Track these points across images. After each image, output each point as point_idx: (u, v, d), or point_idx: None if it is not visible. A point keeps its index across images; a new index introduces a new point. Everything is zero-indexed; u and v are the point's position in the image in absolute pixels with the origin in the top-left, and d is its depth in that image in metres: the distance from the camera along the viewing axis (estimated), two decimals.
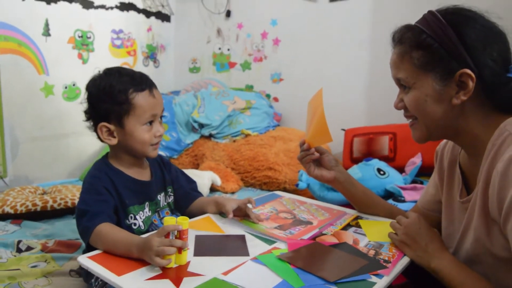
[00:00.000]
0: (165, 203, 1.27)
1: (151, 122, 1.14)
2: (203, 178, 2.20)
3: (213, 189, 2.29)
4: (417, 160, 2.24)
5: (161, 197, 1.25)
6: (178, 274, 0.85)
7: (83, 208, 1.06)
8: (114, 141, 1.13)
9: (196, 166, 2.64)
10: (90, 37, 2.69)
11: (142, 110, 1.11)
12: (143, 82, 1.14)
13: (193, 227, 1.10)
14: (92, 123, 1.17)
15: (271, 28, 3.06)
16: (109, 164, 1.17)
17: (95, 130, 1.15)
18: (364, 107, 2.79)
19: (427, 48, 0.89)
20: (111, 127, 1.12)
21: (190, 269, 0.87)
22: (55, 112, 2.51)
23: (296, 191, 2.21)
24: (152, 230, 1.13)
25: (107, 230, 0.99)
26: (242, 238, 1.05)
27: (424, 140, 0.98)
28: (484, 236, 0.88)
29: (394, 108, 1.00)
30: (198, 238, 1.03)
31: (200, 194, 1.35)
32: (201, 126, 2.73)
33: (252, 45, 3.15)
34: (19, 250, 1.50)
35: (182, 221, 0.90)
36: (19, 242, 1.52)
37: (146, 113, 1.12)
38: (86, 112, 1.17)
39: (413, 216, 1.02)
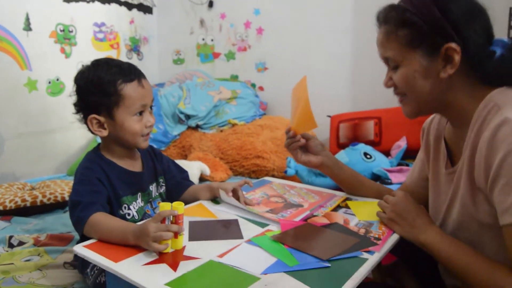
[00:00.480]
0: (157, 193, 1.27)
1: (141, 113, 1.14)
2: (192, 168, 2.21)
3: (202, 179, 2.30)
4: (402, 143, 2.28)
5: (153, 187, 1.26)
6: (174, 258, 0.87)
7: (76, 199, 1.06)
8: (104, 133, 1.13)
9: (184, 157, 2.65)
10: (72, 31, 2.66)
11: (132, 100, 1.10)
12: (132, 73, 1.13)
13: (186, 214, 1.11)
14: (82, 116, 1.16)
15: (254, 17, 3.06)
16: (101, 156, 1.17)
17: (85, 123, 1.15)
18: (348, 93, 2.83)
19: (412, 26, 0.91)
20: (101, 119, 1.12)
21: (186, 253, 0.89)
22: (39, 107, 2.48)
23: (284, 177, 2.24)
24: None
25: (101, 219, 0.99)
26: (235, 222, 1.07)
27: (414, 115, 1.00)
28: (469, 204, 0.91)
29: (384, 86, 1.02)
30: (192, 224, 1.05)
31: (191, 183, 1.36)
32: (188, 117, 2.74)
33: (236, 35, 3.15)
34: (11, 246, 1.50)
35: (177, 206, 0.91)
36: (10, 237, 1.52)
37: (136, 103, 1.11)
38: (75, 104, 1.16)
39: (400, 194, 1.05)
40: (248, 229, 1.02)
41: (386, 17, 0.96)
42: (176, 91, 2.89)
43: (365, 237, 0.98)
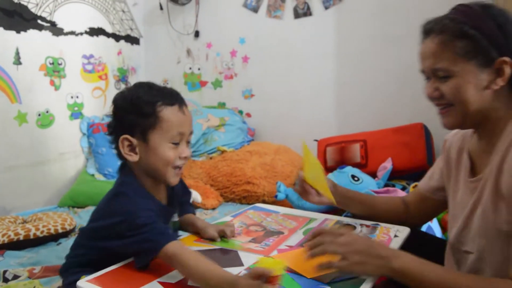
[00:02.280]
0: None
1: (177, 143, 1.05)
2: None
3: (194, 206, 2.32)
4: (387, 165, 2.35)
5: (173, 218, 1.22)
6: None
7: (143, 222, 0.96)
8: (135, 158, 1.05)
9: None
10: (61, 64, 2.70)
11: (170, 125, 1.03)
12: (173, 97, 1.06)
13: (185, 244, 1.14)
14: (114, 138, 1.08)
15: (240, 46, 3.14)
16: (140, 185, 1.08)
17: (117, 145, 1.07)
18: (333, 117, 2.90)
19: (470, 38, 0.93)
20: (134, 141, 1.04)
21: (190, 283, 0.91)
22: (29, 140, 2.50)
23: (275, 202, 2.27)
24: None
25: (190, 255, 0.93)
26: (234, 250, 1.10)
27: (456, 127, 1.04)
28: (490, 210, 0.94)
29: (428, 96, 1.03)
30: None
31: (189, 210, 1.29)
32: None
33: (222, 63, 3.23)
34: (5, 280, 1.49)
35: (276, 266, 0.83)
36: (5, 272, 1.52)
37: (174, 129, 1.03)
38: (109, 126, 1.09)
39: (345, 231, 0.98)
40: (248, 256, 1.05)
41: (443, 27, 0.97)
42: None
43: None
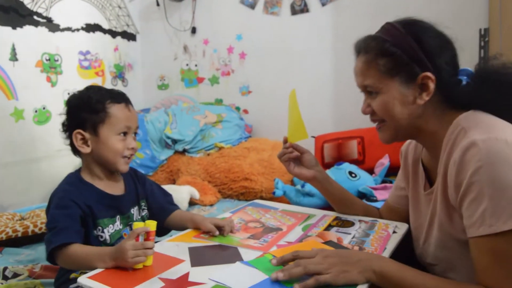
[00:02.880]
0: (139, 217, 1.29)
1: (125, 134, 1.20)
2: (181, 193, 2.24)
3: (192, 202, 2.33)
4: (385, 161, 2.36)
5: (134, 210, 1.27)
6: (179, 285, 0.89)
7: (52, 226, 1.09)
8: (87, 149, 1.18)
9: (172, 182, 2.67)
10: (57, 60, 2.68)
11: (117, 119, 1.18)
12: (121, 96, 1.21)
13: (183, 240, 1.15)
14: (68, 134, 1.21)
15: (237, 42, 3.14)
16: (80, 177, 1.21)
17: (71, 140, 1.20)
18: (331, 113, 2.91)
19: (391, 55, 0.98)
20: (86, 135, 1.17)
21: (191, 279, 0.91)
22: (26, 136, 2.49)
23: (272, 198, 2.28)
24: None
25: (77, 248, 1.04)
26: (234, 246, 1.11)
27: (391, 141, 1.06)
28: (447, 223, 0.97)
29: (362, 113, 1.08)
30: (192, 250, 1.08)
31: (176, 207, 1.37)
32: (174, 142, 2.77)
33: (219, 59, 3.22)
34: (5, 278, 1.49)
35: (150, 223, 0.99)
36: (4, 269, 1.51)
37: (121, 123, 1.18)
38: (63, 124, 1.22)
39: (316, 248, 0.96)
40: (247, 253, 1.06)
41: (367, 47, 1.02)
42: (162, 116, 2.93)
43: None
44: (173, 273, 0.95)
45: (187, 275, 0.94)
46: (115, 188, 1.25)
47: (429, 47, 0.97)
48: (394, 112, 0.99)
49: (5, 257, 1.69)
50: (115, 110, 1.18)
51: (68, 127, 1.21)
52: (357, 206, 1.36)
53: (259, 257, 1.02)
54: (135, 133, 1.25)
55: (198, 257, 1.03)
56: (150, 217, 1.32)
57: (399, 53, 0.97)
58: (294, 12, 2.92)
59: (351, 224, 1.27)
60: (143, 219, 1.29)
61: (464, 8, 2.40)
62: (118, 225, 1.20)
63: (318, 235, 1.17)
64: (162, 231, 1.33)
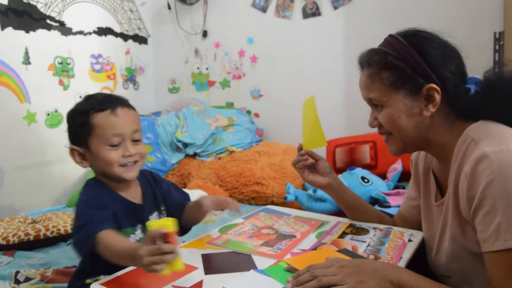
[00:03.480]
0: None
1: (117, 144, 1.09)
2: (192, 197, 2.22)
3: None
4: (398, 166, 2.33)
5: (153, 217, 1.21)
6: None
7: (84, 222, 1.01)
8: (86, 164, 1.12)
9: (183, 186, 2.67)
10: (70, 63, 2.70)
11: (102, 129, 1.08)
12: (106, 102, 1.11)
13: (196, 246, 1.14)
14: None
15: (248, 46, 3.14)
16: (102, 183, 1.14)
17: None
18: (343, 117, 2.89)
19: (394, 68, 0.97)
20: (81, 150, 1.11)
21: (204, 286, 0.91)
22: (38, 139, 2.50)
23: (284, 203, 2.26)
24: None
25: (112, 237, 0.95)
26: (247, 254, 1.09)
27: (400, 153, 1.05)
28: (459, 235, 0.96)
29: (369, 126, 1.07)
30: (205, 257, 1.07)
31: (187, 202, 1.28)
32: (185, 145, 2.77)
33: (230, 63, 3.22)
34: (17, 282, 1.49)
35: (166, 223, 0.81)
36: (16, 273, 1.51)
37: (107, 132, 1.08)
38: (68, 137, 1.17)
39: (334, 259, 0.93)
40: (261, 260, 1.04)
41: (370, 61, 1.02)
42: (173, 119, 2.93)
43: None
44: (187, 280, 0.94)
45: (200, 283, 0.93)
46: (134, 195, 1.18)
47: (433, 58, 0.96)
48: (400, 124, 0.99)
49: (17, 261, 1.69)
50: (99, 119, 1.08)
51: (70, 142, 1.15)
52: (371, 214, 1.34)
53: (274, 265, 1.01)
54: (135, 140, 1.13)
55: (212, 265, 1.02)
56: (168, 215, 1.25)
57: (402, 66, 0.97)
58: (305, 15, 2.91)
59: (366, 231, 1.25)
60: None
61: (478, 11, 2.37)
62: (139, 234, 1.14)
63: (332, 242, 1.16)
64: (182, 231, 1.24)
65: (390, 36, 1.03)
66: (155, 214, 1.22)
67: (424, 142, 1.01)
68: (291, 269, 0.97)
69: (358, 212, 1.33)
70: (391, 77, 0.97)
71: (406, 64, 0.96)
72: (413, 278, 0.88)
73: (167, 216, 1.24)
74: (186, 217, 1.23)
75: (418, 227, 1.22)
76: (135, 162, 1.13)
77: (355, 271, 0.87)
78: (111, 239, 0.95)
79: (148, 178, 1.26)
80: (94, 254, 0.97)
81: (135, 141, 1.13)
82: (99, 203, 1.06)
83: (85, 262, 1.12)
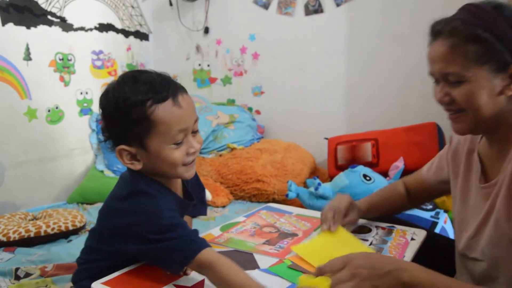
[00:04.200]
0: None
1: (181, 141, 0.92)
2: None
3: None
4: (399, 164, 2.33)
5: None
6: None
7: (169, 223, 0.87)
8: (138, 166, 0.94)
9: None
10: (71, 60, 2.69)
11: (166, 126, 0.89)
12: (164, 89, 0.90)
13: None
14: (112, 145, 0.96)
15: (250, 42, 3.12)
16: (152, 181, 0.96)
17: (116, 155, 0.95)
18: (344, 115, 2.88)
19: (483, 41, 0.89)
20: (132, 150, 0.92)
21: (206, 286, 0.90)
22: (39, 136, 2.49)
23: (285, 201, 2.26)
24: None
25: (226, 265, 0.85)
26: (249, 252, 1.08)
27: (467, 133, 1.00)
28: (503, 220, 0.92)
29: (438, 101, 0.99)
30: None
31: (203, 211, 1.20)
32: None
33: (232, 60, 3.21)
34: (17, 278, 1.49)
35: (320, 283, 0.77)
36: (16, 269, 1.52)
37: (172, 129, 0.89)
38: (103, 130, 0.96)
39: (346, 261, 0.84)
40: (263, 259, 1.04)
41: (453, 31, 0.92)
42: None
43: None
44: (188, 279, 0.93)
45: (202, 282, 0.92)
46: (180, 189, 1.05)
47: None
48: (479, 102, 0.91)
49: (17, 257, 1.69)
50: (161, 113, 0.88)
51: (110, 137, 0.96)
52: (386, 205, 1.33)
53: (277, 264, 1.00)
54: (195, 131, 0.96)
55: None
56: None
57: (492, 40, 0.88)
58: (308, 12, 2.89)
59: (368, 230, 1.25)
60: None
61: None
62: None
63: None
64: None
65: (473, 5, 0.93)
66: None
67: (495, 124, 0.94)
68: (294, 267, 0.97)
69: (378, 211, 1.32)
70: (478, 51, 0.89)
71: (496, 38, 0.88)
72: (427, 277, 0.82)
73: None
74: None
75: (431, 197, 1.26)
76: (194, 160, 0.98)
77: (369, 274, 0.80)
78: (224, 267, 0.85)
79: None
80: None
81: (194, 133, 0.97)
82: (170, 206, 0.93)
83: (97, 260, 1.01)
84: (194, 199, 1.08)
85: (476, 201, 1.03)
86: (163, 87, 0.90)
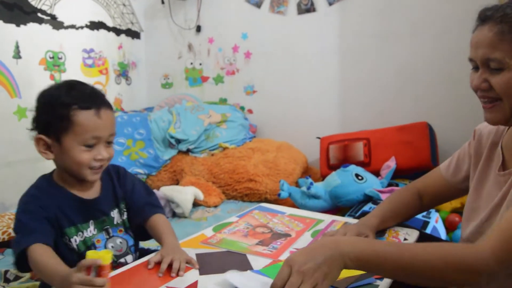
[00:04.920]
0: (120, 221, 1.19)
1: (92, 145, 1.06)
2: (186, 194, 2.22)
3: (196, 203, 2.31)
4: (391, 164, 2.33)
5: (114, 213, 1.18)
6: None
7: (18, 230, 1.04)
8: (50, 156, 1.08)
9: (176, 182, 2.65)
10: (61, 58, 2.66)
11: (82, 129, 1.03)
12: (92, 100, 1.06)
13: (190, 246, 1.12)
14: (35, 134, 1.10)
15: (242, 41, 3.11)
16: (50, 180, 1.12)
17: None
18: (336, 114, 2.88)
19: None
20: (48, 141, 1.06)
21: None
22: (29, 135, 2.45)
23: (277, 200, 2.26)
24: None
25: (38, 254, 0.97)
26: (242, 253, 1.08)
27: (500, 123, 0.98)
28: None
29: (473, 88, 0.97)
30: (200, 257, 1.05)
31: (157, 210, 1.21)
32: (178, 141, 2.75)
33: (224, 58, 3.19)
34: (7, 280, 1.48)
35: (104, 255, 0.83)
36: (6, 272, 1.50)
37: (87, 133, 1.04)
38: (32, 120, 1.11)
39: (286, 263, 0.82)
40: (256, 260, 1.03)
41: (505, 17, 0.90)
42: (166, 115, 2.90)
43: None
44: (182, 281, 0.93)
45: (195, 284, 0.92)
46: (90, 190, 1.15)
47: None
48: None
49: (6, 259, 1.67)
50: (81, 118, 1.03)
51: (35, 127, 1.10)
52: (401, 215, 1.28)
53: (271, 265, 1.00)
54: (109, 142, 1.10)
55: (206, 265, 1.01)
56: (129, 219, 1.20)
57: None
58: (300, 11, 2.89)
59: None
60: (124, 224, 1.19)
61: (474, 6, 2.34)
62: (91, 230, 1.12)
63: None
64: (144, 235, 1.21)
65: None
66: (116, 211, 1.19)
67: None
68: None
69: (400, 220, 1.28)
70: None
71: None
72: (366, 246, 0.83)
73: (128, 215, 1.21)
74: (149, 228, 1.18)
75: (455, 196, 1.21)
76: (101, 166, 1.10)
77: (314, 267, 0.78)
78: (42, 256, 0.97)
79: (111, 173, 1.22)
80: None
81: (109, 144, 1.11)
82: (40, 204, 1.05)
83: None
84: (110, 205, 1.18)
85: (491, 189, 1.03)
86: (91, 99, 1.07)
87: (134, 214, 1.20)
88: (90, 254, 0.84)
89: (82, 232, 1.11)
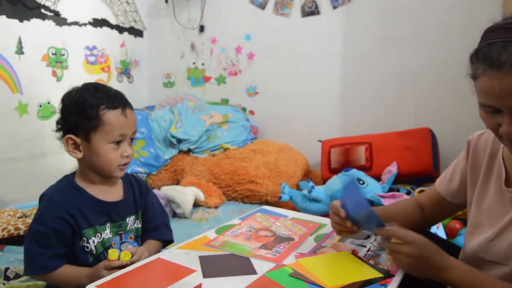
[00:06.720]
0: (133, 227, 1.23)
1: (118, 142, 1.13)
2: (186, 194, 2.21)
3: (196, 204, 2.30)
4: (392, 169, 2.33)
5: (130, 220, 1.22)
6: None
7: (37, 237, 1.09)
8: (79, 155, 1.12)
9: (176, 182, 2.64)
10: (64, 54, 2.65)
11: (111, 127, 1.11)
12: (117, 100, 1.13)
13: (193, 248, 1.12)
14: (61, 135, 1.16)
15: (245, 42, 3.11)
16: (72, 181, 1.16)
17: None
18: (337, 117, 2.88)
19: None
20: (78, 140, 1.11)
21: None
22: (30, 131, 2.45)
23: (278, 203, 2.25)
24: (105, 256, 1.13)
25: (59, 278, 1.10)
26: (246, 257, 1.07)
27: None
28: None
29: (507, 134, 0.87)
30: (203, 259, 1.05)
31: (171, 234, 1.33)
32: (179, 141, 2.74)
33: (227, 59, 3.19)
34: (7, 278, 1.46)
35: (124, 258, 1.02)
36: (6, 269, 1.49)
37: (115, 131, 1.11)
38: (57, 122, 1.16)
39: (415, 241, 0.95)
40: (260, 264, 1.03)
41: None
42: (167, 114, 2.89)
43: (383, 269, 1.00)
44: (185, 284, 0.92)
45: (199, 286, 0.91)
46: (111, 193, 1.20)
47: None
48: None
49: (6, 256, 1.66)
50: (110, 117, 1.11)
51: (61, 128, 1.15)
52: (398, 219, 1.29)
53: (274, 270, 0.99)
54: (132, 139, 1.19)
55: (210, 268, 1.00)
56: (142, 230, 1.27)
57: None
58: (304, 14, 2.88)
59: (366, 236, 1.24)
60: (137, 231, 1.24)
61: (476, 11, 2.32)
62: (108, 233, 1.16)
63: (332, 246, 1.15)
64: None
65: None
66: (133, 217, 1.24)
67: None
68: (295, 275, 0.96)
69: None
70: None
71: None
72: (465, 279, 0.92)
73: (142, 225, 1.27)
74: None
75: (452, 211, 1.23)
76: (126, 163, 1.18)
77: (422, 263, 0.94)
78: (63, 277, 1.10)
79: (133, 183, 1.28)
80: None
81: (131, 141, 1.18)
82: (51, 219, 1.09)
83: None
84: (132, 208, 1.24)
85: (496, 204, 1.02)
86: (117, 100, 1.14)
87: (149, 230, 1.28)
88: (112, 254, 1.01)
89: (100, 234, 1.15)
